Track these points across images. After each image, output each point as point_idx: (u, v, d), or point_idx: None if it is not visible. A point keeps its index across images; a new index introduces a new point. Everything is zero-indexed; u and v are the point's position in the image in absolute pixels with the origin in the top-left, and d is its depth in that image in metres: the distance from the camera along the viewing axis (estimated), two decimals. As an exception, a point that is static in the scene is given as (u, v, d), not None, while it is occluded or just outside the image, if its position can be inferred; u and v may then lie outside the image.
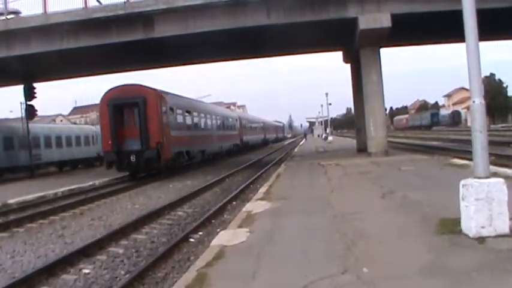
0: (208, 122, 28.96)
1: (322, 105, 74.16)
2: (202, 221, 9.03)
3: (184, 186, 16.41)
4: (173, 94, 23.98)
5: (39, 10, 16.78)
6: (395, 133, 68.40)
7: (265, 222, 6.97)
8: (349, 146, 31.14)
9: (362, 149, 21.73)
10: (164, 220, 9.88)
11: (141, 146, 19.93)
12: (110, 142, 20.19)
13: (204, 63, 27.40)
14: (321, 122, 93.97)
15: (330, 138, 48.30)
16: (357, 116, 24.11)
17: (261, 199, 9.59)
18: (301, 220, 6.88)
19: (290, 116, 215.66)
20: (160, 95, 21.10)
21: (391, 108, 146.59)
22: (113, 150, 20.11)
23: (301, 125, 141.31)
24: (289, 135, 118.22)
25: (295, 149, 37.76)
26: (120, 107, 20.21)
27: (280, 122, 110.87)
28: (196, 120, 26.28)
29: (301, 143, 59.68)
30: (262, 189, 11.38)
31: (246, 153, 38.46)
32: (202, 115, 27.77)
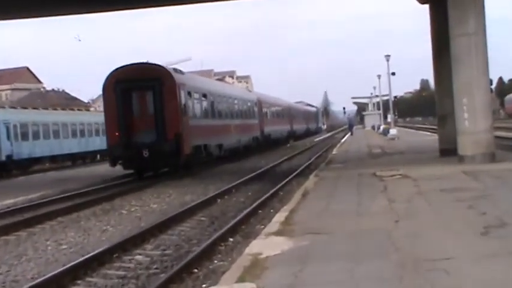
0: (225, 107, 34.31)
1: (379, 77, 73.89)
2: (177, 272, 8.85)
3: (171, 202, 16.86)
4: (189, 74, 28.10)
5: None
6: (508, 122, 65.54)
7: (282, 275, 6.73)
8: (426, 145, 31.37)
9: (448, 150, 21.66)
10: (111, 271, 9.64)
11: (156, 138, 24.41)
12: (117, 133, 24.48)
13: (177, 4, 26.77)
14: (377, 104, 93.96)
15: (393, 131, 48.05)
16: (438, 95, 23.85)
17: (277, 233, 9.48)
18: (345, 272, 6.64)
19: (325, 95, 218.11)
20: (178, 77, 25.82)
21: (500, 80, 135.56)
22: (121, 144, 24.33)
23: (344, 110, 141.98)
24: (324, 127, 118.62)
25: (334, 150, 37.92)
26: (130, 91, 24.58)
27: (312, 106, 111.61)
28: (213, 106, 31.68)
29: (345, 138, 60.18)
30: (279, 217, 11.27)
31: (264, 152, 40.53)
32: (219, 99, 33.00)
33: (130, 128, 24.82)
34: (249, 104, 41.85)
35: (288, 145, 52.43)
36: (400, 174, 17.01)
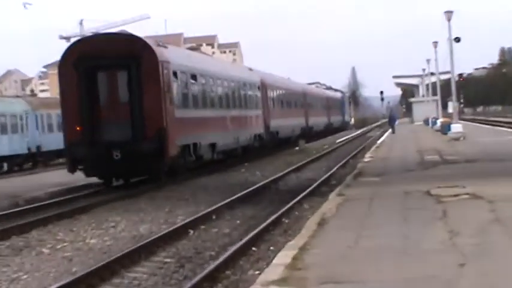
0: (220, 94, 37.14)
1: (436, 44, 73.78)
2: None
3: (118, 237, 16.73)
4: (173, 47, 30.37)
5: None
6: None
7: None
8: (508, 150, 31.95)
9: None
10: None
11: (131, 134, 26.33)
12: (78, 128, 26.26)
13: None
14: (432, 87, 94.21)
15: (457, 127, 48.13)
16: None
17: (280, 283, 9.45)
18: None
19: (353, 73, 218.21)
20: (161, 52, 27.60)
21: None
22: (82, 141, 26.18)
23: (382, 96, 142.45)
24: (351, 122, 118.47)
25: (367, 156, 37.98)
26: (96, 71, 26.41)
27: (336, 91, 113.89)
28: (205, 91, 34.20)
29: (383, 138, 60.26)
30: (283, 257, 11.24)
31: (260, 158, 41.86)
32: (211, 82, 35.41)
33: (97, 120, 26.58)
34: (249, 88, 43.94)
35: (297, 148, 52.56)
36: (467, 194, 17.01)
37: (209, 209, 20.60)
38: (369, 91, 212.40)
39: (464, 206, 15.40)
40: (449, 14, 55.65)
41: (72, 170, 27.34)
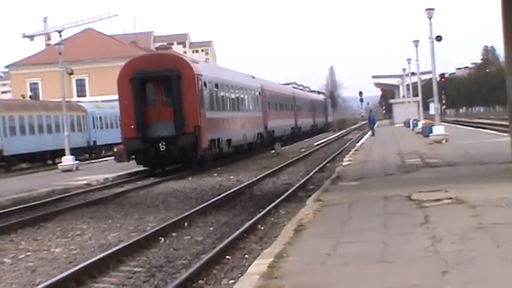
0: (234, 99, 48.16)
1: (417, 44, 74.17)
2: None
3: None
4: (202, 63, 45.09)
5: None
6: None
7: None
8: (491, 152, 31.79)
9: None
10: None
11: (174, 131, 36.11)
12: (133, 127, 35.91)
13: None
14: (412, 87, 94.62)
15: (439, 129, 48.42)
16: (511, 71, 24.35)
17: None
18: None
19: (331, 73, 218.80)
20: (196, 67, 38.40)
21: None
22: (137, 137, 35.89)
23: (361, 97, 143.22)
24: (330, 121, 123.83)
25: (345, 159, 38.10)
26: (145, 83, 36.58)
27: (319, 93, 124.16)
28: (225, 97, 45.38)
29: (362, 141, 60.52)
30: (258, 266, 11.26)
31: (234, 162, 44.14)
32: (227, 89, 46.30)
33: (146, 120, 36.13)
34: (253, 93, 55.45)
35: (273, 151, 52.80)
36: (449, 198, 17.04)
37: (181, 216, 20.56)
38: (347, 92, 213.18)
39: (446, 211, 15.42)
40: (430, 11, 55.84)
41: (128, 160, 37.25)
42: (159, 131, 36.03)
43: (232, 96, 47.46)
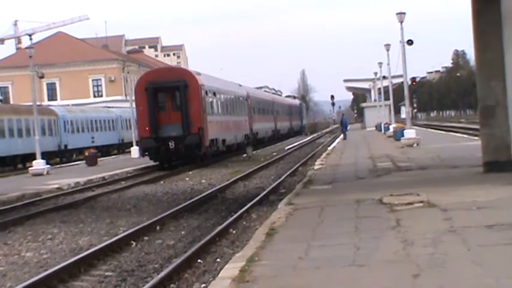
0: (226, 104, 55.80)
1: (388, 48, 74.44)
2: None
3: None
4: (204, 74, 50.44)
5: None
6: None
7: None
8: (462, 156, 31.92)
9: (497, 163, 22.27)
10: None
11: (182, 131, 43.22)
12: (147, 128, 43.11)
13: None
14: (384, 91, 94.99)
15: (410, 133, 48.51)
16: (482, 76, 23.94)
17: None
18: None
19: (303, 76, 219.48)
20: (199, 78, 46.28)
21: None
22: (151, 137, 42.86)
23: (333, 101, 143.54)
24: (305, 124, 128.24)
25: (317, 163, 38.12)
26: (158, 91, 44.08)
27: (295, 98, 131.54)
28: (220, 103, 53.05)
29: (334, 145, 60.59)
30: (230, 270, 11.24)
31: (207, 166, 45.62)
32: (222, 96, 54.29)
33: (159, 123, 43.06)
34: (240, 99, 62.75)
35: (245, 155, 52.90)
36: (421, 202, 17.09)
37: (153, 220, 20.47)
38: (319, 95, 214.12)
39: (418, 214, 15.47)
40: (401, 15, 55.97)
41: (143, 155, 44.40)
42: (169, 132, 42.90)
43: (226, 102, 54.88)
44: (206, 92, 46.46)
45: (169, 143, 42.33)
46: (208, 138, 44.87)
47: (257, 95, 77.61)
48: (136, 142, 51.91)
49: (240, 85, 68.25)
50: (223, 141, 50.93)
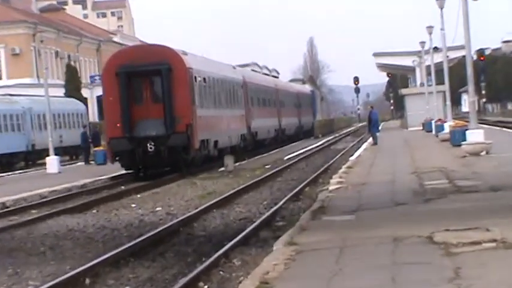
0: (219, 94, 60.61)
1: (442, 3, 74.76)
2: None
3: None
4: (191, 54, 54.48)
5: None
6: None
7: None
8: None
9: None
10: None
11: (164, 129, 47.01)
12: (118, 125, 46.38)
13: None
14: (434, 71, 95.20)
15: (476, 135, 48.59)
16: None
17: None
18: None
19: (310, 47, 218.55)
20: (187, 59, 50.34)
21: None
22: (124, 136, 46.44)
23: (357, 85, 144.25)
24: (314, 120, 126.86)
25: (333, 180, 38.15)
26: (132, 77, 47.43)
27: (303, 83, 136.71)
28: (211, 93, 57.40)
29: (359, 152, 60.62)
30: None
31: (170, 182, 46.97)
32: (212, 83, 58.39)
33: (132, 118, 46.64)
34: (235, 87, 67.79)
35: (223, 169, 53.01)
36: (493, 241, 17.19)
37: (79, 269, 20.37)
38: (336, 77, 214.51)
39: (487, 260, 15.48)
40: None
41: (112, 162, 48.15)
42: (148, 130, 47.20)
43: (218, 91, 60.01)
44: (195, 78, 50.89)
45: (148, 145, 46.18)
46: (198, 139, 49.11)
47: (256, 80, 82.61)
48: (95, 144, 59.34)
49: (234, 67, 74.23)
50: (216, 143, 55.63)
